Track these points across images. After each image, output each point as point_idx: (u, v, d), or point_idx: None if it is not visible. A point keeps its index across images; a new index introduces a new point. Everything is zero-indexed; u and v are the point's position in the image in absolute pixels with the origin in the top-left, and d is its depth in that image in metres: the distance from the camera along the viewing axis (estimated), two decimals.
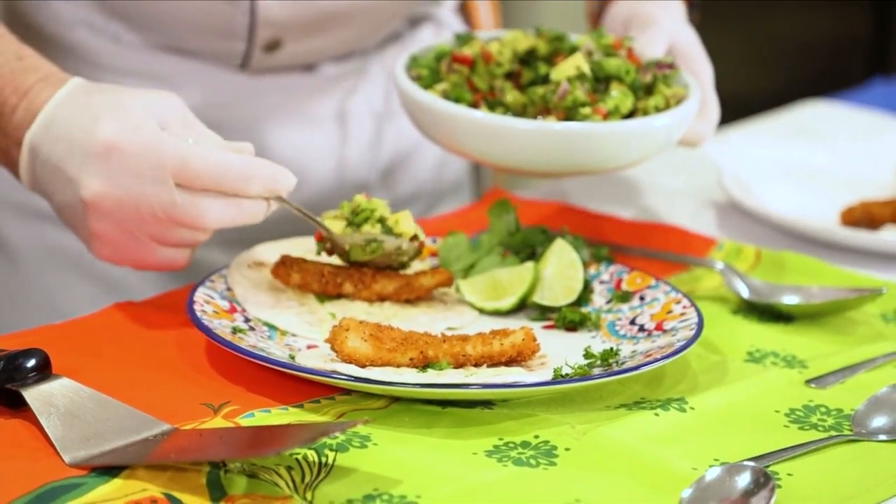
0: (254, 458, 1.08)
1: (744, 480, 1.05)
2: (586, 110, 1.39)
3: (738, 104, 2.61)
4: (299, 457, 1.09)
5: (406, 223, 1.33)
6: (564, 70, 1.41)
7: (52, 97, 1.27)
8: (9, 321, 1.59)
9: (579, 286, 1.35)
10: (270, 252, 1.38)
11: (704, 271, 1.46)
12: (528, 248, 1.42)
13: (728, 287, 1.41)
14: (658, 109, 1.43)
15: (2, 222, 1.62)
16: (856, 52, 4.48)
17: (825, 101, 2.09)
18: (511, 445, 1.14)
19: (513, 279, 1.36)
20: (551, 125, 1.37)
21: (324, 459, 1.09)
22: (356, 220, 1.32)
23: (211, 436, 1.12)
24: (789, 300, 1.39)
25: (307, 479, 1.07)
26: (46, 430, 1.10)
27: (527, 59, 1.45)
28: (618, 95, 1.41)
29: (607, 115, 1.39)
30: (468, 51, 1.45)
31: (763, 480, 1.05)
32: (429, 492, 1.06)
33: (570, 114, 1.39)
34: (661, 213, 1.63)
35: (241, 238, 1.60)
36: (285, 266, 1.33)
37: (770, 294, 1.40)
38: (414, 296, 1.35)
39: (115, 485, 1.05)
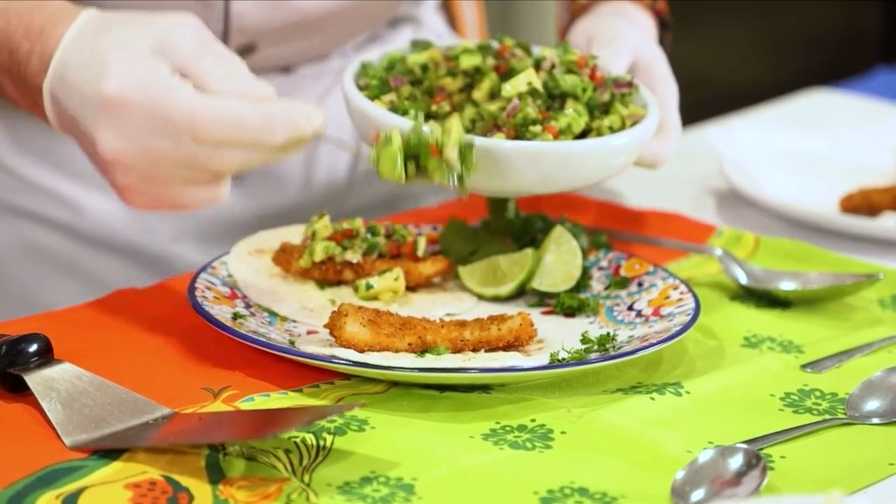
0: (252, 441, 1.09)
1: (736, 462, 1.06)
2: (536, 128, 1.33)
3: (747, 95, 2.62)
4: (297, 440, 1.10)
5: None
6: (516, 86, 1.35)
7: (62, 39, 1.20)
8: None
9: (578, 272, 1.36)
10: (271, 239, 1.39)
11: (704, 258, 1.47)
12: (527, 234, 1.43)
13: (726, 273, 1.42)
14: (613, 129, 1.36)
15: None
16: (866, 42, 4.48)
17: (827, 90, 2.09)
18: (508, 429, 1.15)
19: (512, 265, 1.37)
20: (489, 142, 1.30)
21: (322, 442, 1.11)
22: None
23: (210, 419, 1.13)
24: (787, 286, 1.39)
25: (305, 461, 1.08)
26: (48, 413, 1.12)
27: (472, 74, 1.39)
28: (571, 114, 1.35)
29: (559, 134, 1.33)
30: (421, 58, 1.40)
31: (755, 462, 1.06)
32: (425, 474, 1.07)
33: (520, 131, 1.33)
34: (661, 200, 1.63)
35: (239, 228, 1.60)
36: (286, 253, 1.34)
37: (768, 280, 1.40)
38: (413, 283, 1.36)
39: (115, 467, 1.06)
